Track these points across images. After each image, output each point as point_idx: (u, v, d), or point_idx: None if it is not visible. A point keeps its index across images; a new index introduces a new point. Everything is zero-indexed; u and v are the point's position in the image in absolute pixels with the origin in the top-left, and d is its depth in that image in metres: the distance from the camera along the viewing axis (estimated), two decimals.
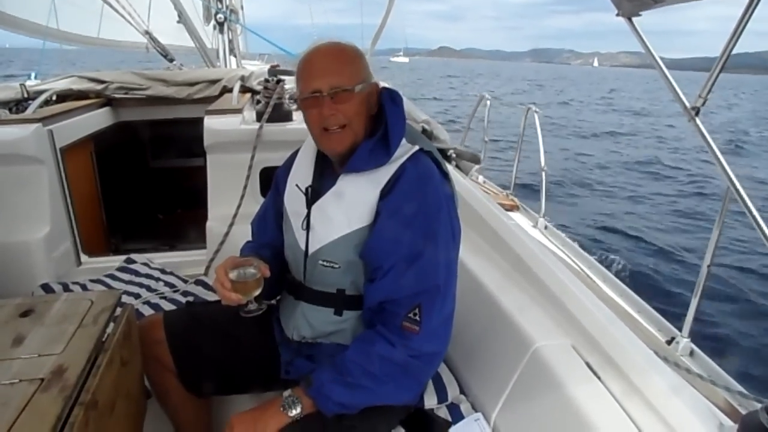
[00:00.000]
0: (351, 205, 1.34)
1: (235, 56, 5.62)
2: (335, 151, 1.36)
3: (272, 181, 1.62)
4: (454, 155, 2.82)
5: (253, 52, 9.89)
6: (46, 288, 2.36)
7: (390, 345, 1.26)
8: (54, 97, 3.11)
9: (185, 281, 2.48)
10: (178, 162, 4.08)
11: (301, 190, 1.45)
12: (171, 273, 2.57)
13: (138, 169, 4.03)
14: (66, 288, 2.37)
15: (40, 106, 2.84)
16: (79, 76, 3.36)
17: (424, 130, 2.78)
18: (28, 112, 2.73)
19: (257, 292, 1.34)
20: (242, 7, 7.74)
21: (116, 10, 4.32)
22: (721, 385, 1.73)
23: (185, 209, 3.98)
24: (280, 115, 2.65)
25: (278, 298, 1.63)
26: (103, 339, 1.29)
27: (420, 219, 1.28)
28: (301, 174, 1.49)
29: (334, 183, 1.38)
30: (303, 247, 1.42)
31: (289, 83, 2.79)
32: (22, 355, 1.19)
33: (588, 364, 1.32)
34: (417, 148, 1.35)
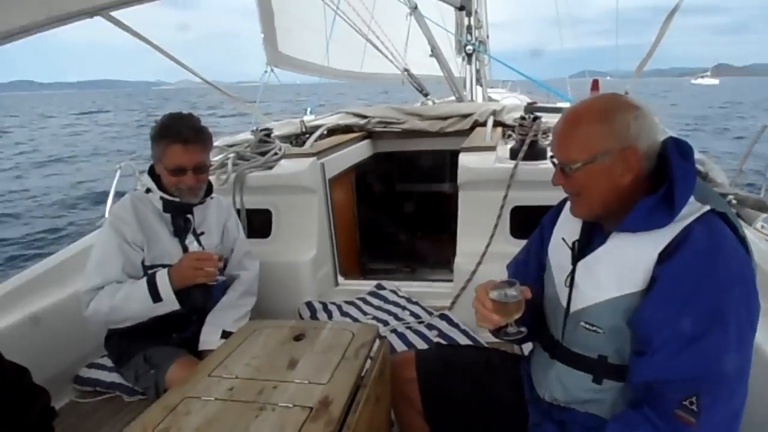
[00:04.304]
0: (622, 266, 1.18)
1: (481, 85, 5.73)
2: (575, 215, 1.30)
3: (537, 226, 1.55)
4: (734, 201, 2.37)
5: (496, 79, 10.01)
6: (309, 306, 2.63)
7: None
8: (325, 132, 3.51)
9: (430, 313, 2.53)
10: (421, 187, 4.28)
11: (567, 245, 1.34)
12: (416, 303, 2.65)
13: (386, 193, 4.33)
14: (325, 307, 2.61)
15: (315, 140, 3.23)
16: (346, 112, 3.77)
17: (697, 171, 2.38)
18: (306, 147, 3.13)
19: (518, 315, 1.27)
20: (488, 37, 7.90)
21: (379, 50, 4.73)
22: None
23: (425, 233, 4.15)
24: (535, 153, 2.55)
25: (531, 351, 1.53)
26: (362, 374, 1.35)
27: (704, 296, 1.06)
28: (568, 226, 1.38)
29: (604, 241, 1.25)
30: (564, 304, 1.31)
31: (546, 118, 2.68)
32: (295, 380, 1.29)
33: None
34: (708, 208, 1.13)
